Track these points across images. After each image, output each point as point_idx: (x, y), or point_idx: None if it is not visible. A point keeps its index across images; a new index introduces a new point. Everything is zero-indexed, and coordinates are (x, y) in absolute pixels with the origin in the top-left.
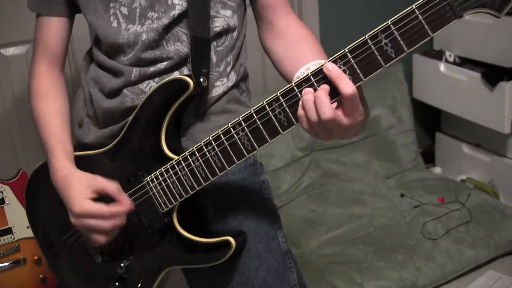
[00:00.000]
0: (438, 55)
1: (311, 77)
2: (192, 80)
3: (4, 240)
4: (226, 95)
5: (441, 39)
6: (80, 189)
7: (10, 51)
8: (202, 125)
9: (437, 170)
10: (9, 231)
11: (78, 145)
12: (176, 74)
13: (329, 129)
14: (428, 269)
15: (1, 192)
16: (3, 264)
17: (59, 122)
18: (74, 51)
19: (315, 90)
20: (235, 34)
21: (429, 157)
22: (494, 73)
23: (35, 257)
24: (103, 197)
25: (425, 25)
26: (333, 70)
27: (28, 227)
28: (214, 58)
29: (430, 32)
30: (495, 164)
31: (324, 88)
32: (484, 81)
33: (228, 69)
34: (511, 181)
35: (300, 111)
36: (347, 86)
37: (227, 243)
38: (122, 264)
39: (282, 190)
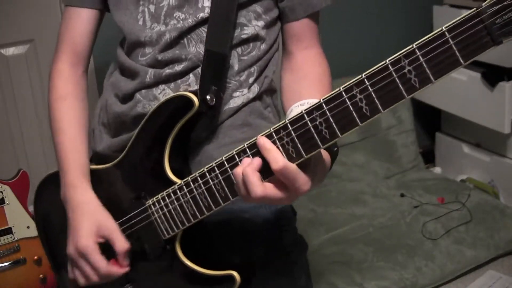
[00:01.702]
0: None
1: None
2: (198, 98)
3: (4, 240)
4: (247, 107)
5: None
6: (90, 228)
7: (10, 51)
8: (217, 140)
9: (437, 170)
10: (9, 231)
11: (91, 155)
12: (191, 78)
13: (266, 202)
14: (428, 269)
15: (1, 192)
16: (3, 264)
17: (77, 131)
18: None
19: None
20: (263, 46)
21: (429, 157)
22: (494, 73)
23: (35, 257)
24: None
25: (456, 52)
26: (263, 144)
27: (28, 227)
28: (236, 66)
29: (461, 60)
30: (495, 164)
31: (254, 164)
32: (484, 81)
33: (251, 80)
34: (511, 181)
35: (235, 187)
36: (274, 160)
37: (231, 277)
38: None
39: None
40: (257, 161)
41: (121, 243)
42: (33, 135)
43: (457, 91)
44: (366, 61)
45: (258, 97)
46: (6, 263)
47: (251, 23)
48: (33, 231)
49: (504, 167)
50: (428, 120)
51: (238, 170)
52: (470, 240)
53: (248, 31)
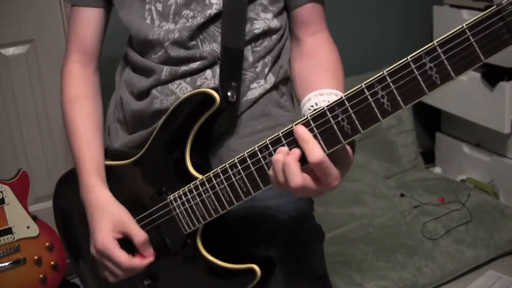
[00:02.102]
0: None
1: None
2: (219, 94)
3: (4, 240)
4: (264, 97)
5: None
6: (107, 225)
7: (10, 51)
8: (238, 132)
9: (437, 170)
10: (9, 231)
11: (107, 152)
12: (208, 73)
13: (300, 192)
14: (428, 269)
15: (1, 192)
16: (3, 264)
17: (91, 131)
18: None
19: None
20: (275, 36)
21: (429, 157)
22: (494, 73)
23: (35, 257)
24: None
25: (477, 49)
26: (301, 134)
27: (28, 227)
28: (250, 58)
29: (482, 57)
30: (495, 164)
31: (295, 153)
32: (484, 81)
33: (266, 70)
34: (511, 181)
35: (270, 172)
36: (312, 152)
37: (252, 271)
38: (145, 282)
39: None
40: (298, 151)
41: (137, 234)
42: (33, 135)
43: (457, 91)
44: (366, 61)
45: (274, 87)
46: (6, 263)
47: (260, 16)
48: (33, 231)
49: (504, 167)
50: (428, 120)
51: (279, 157)
52: (470, 240)
53: (260, 25)
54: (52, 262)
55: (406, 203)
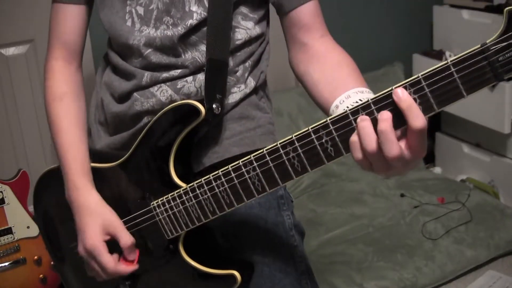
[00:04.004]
0: (438, 55)
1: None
2: (204, 107)
3: (4, 240)
4: (244, 101)
5: (441, 38)
6: (96, 227)
7: (10, 51)
8: (217, 134)
9: (437, 170)
10: (9, 231)
11: (90, 153)
12: (190, 80)
13: (388, 165)
14: (428, 269)
15: (1, 192)
16: (3, 264)
17: (76, 132)
18: None
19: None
20: (255, 42)
21: (429, 157)
22: None
23: (35, 257)
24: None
25: (460, 85)
26: (404, 97)
27: (28, 227)
28: (231, 63)
29: (464, 93)
30: (495, 164)
31: (388, 120)
32: None
33: (246, 74)
34: (511, 181)
35: (354, 138)
36: (418, 117)
37: (232, 276)
38: (126, 282)
39: None
40: (389, 115)
41: (125, 239)
42: (33, 135)
43: None
44: (366, 61)
45: (254, 91)
46: (6, 263)
47: (241, 25)
48: (33, 231)
49: (504, 167)
50: (428, 120)
51: (365, 123)
52: (470, 240)
53: (241, 36)
54: (52, 262)
55: (406, 203)
